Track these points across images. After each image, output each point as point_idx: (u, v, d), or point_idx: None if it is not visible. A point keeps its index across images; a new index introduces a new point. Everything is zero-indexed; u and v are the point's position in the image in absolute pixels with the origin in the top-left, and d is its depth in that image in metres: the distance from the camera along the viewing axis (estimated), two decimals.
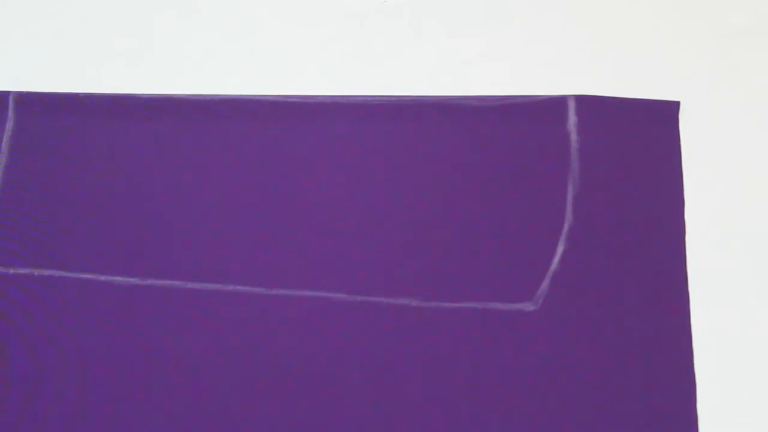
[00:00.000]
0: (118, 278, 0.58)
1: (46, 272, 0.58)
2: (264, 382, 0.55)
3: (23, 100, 0.63)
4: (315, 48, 0.64)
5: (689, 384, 0.55)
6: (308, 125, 0.61)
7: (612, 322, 0.56)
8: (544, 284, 0.57)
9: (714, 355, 0.56)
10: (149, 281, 0.57)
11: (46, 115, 0.62)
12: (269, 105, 0.62)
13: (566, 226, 0.59)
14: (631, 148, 0.61)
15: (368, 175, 0.60)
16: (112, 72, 0.64)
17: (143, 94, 0.63)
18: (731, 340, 0.56)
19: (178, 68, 0.64)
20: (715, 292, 0.57)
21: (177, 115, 0.62)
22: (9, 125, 0.62)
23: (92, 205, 0.60)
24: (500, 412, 0.54)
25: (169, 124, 0.62)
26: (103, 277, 0.58)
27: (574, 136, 0.61)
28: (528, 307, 0.57)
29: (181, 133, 0.62)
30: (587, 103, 0.62)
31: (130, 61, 0.65)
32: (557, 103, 0.62)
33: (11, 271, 0.58)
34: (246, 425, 0.54)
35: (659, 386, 0.55)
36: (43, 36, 0.66)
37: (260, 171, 0.60)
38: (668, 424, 0.54)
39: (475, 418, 0.54)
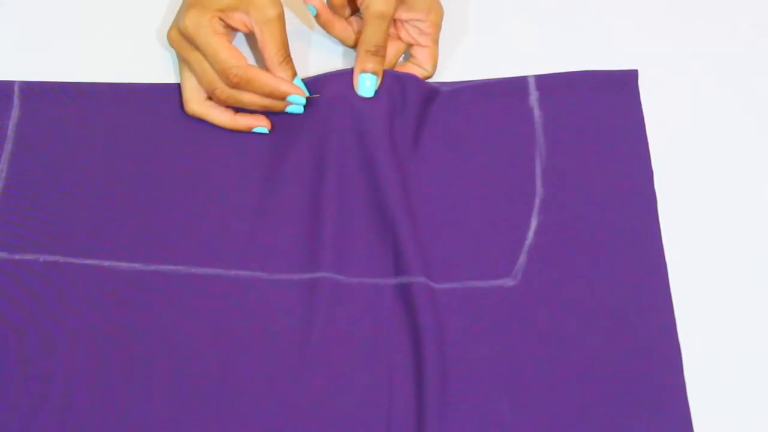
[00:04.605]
0: (122, 264, 0.58)
1: (51, 258, 0.58)
2: (265, 364, 0.55)
3: (28, 89, 0.63)
4: (316, 47, 0.65)
5: (672, 347, 0.55)
6: (303, 116, 0.61)
7: (591, 291, 0.57)
8: (522, 258, 0.58)
9: (693, 315, 0.56)
10: (153, 266, 0.58)
11: (50, 104, 0.63)
12: None
13: (537, 200, 0.59)
14: (595, 118, 0.62)
15: (347, 157, 0.59)
16: (115, 62, 0.64)
17: (145, 83, 0.63)
18: (708, 300, 0.57)
19: None
20: (690, 254, 0.58)
21: (179, 102, 0.62)
22: (15, 114, 0.63)
23: (96, 192, 0.60)
24: (487, 387, 0.55)
25: (171, 111, 0.62)
26: (107, 263, 0.58)
27: (537, 111, 0.62)
28: (508, 282, 0.57)
29: (183, 121, 0.62)
30: (547, 79, 0.63)
31: (133, 52, 0.65)
32: (517, 81, 0.63)
33: (16, 257, 0.58)
34: (248, 407, 0.55)
35: (642, 353, 0.55)
36: (47, 27, 0.66)
37: (261, 158, 0.61)
38: (653, 390, 0.54)
39: (462, 396, 0.54)
